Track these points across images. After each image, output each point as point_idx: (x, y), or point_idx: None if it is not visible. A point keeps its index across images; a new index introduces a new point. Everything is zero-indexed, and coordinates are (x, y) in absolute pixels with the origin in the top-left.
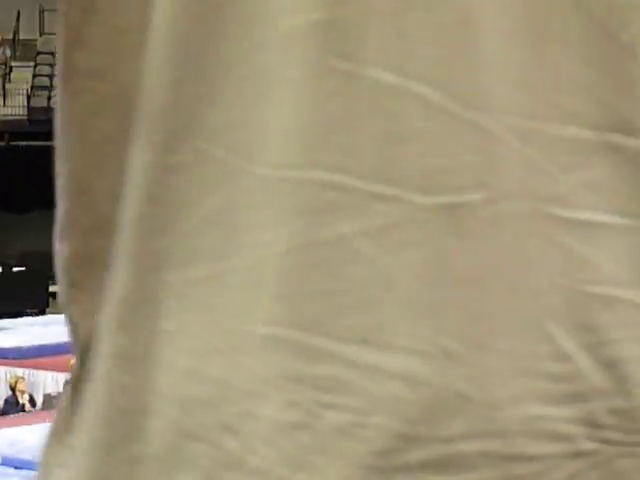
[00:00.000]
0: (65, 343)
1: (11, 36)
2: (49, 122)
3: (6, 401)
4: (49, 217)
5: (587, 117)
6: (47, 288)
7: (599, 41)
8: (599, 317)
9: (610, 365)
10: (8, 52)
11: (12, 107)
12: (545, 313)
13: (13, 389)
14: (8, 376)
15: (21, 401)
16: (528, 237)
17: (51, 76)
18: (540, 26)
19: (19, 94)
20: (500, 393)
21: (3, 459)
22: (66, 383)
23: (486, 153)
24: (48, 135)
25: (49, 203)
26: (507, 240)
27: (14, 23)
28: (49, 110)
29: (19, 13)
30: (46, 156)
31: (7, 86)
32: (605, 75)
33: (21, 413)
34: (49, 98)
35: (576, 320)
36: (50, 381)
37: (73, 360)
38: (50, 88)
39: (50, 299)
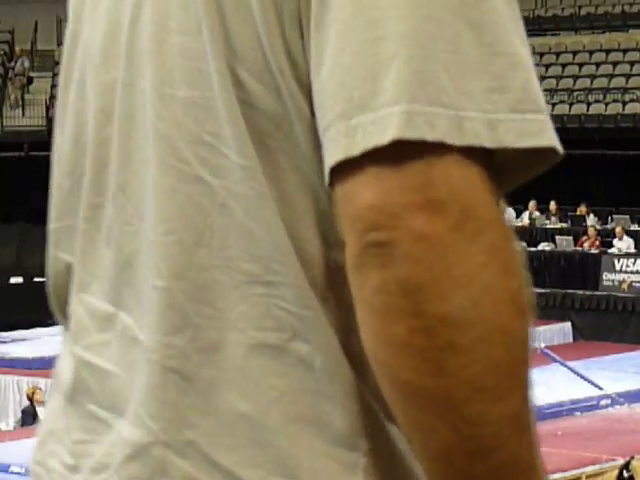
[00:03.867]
0: None
1: (29, 47)
2: None
3: (23, 411)
4: None
5: None
6: None
7: None
8: None
9: None
10: (27, 63)
11: (31, 118)
12: None
13: (31, 399)
14: (30, 386)
15: (39, 413)
16: None
17: None
18: None
19: (38, 105)
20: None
21: (27, 469)
22: None
23: None
24: None
25: None
26: None
27: (32, 34)
28: None
29: (37, 24)
30: None
31: (26, 97)
32: None
33: None
34: None
35: None
36: None
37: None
38: None
39: None
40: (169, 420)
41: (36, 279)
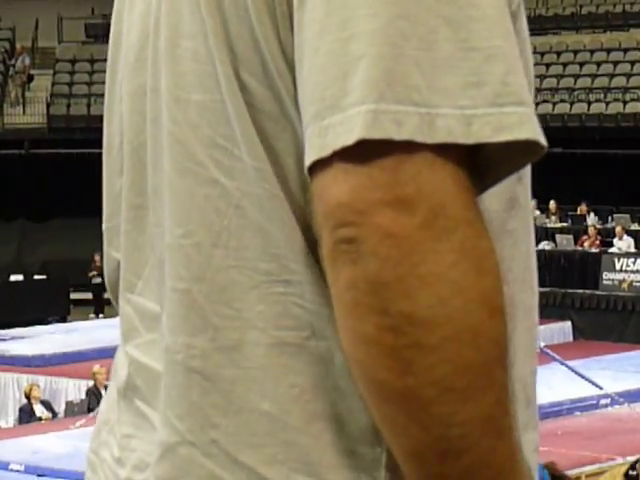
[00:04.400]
0: (86, 350)
1: (30, 44)
2: (68, 130)
3: (21, 409)
4: (69, 225)
5: None
6: (68, 295)
7: None
8: None
9: None
10: (27, 60)
11: (32, 115)
12: None
13: (28, 397)
14: (28, 384)
15: (36, 410)
16: None
17: (70, 84)
18: None
19: (38, 102)
20: None
21: (26, 467)
22: None
23: None
24: (68, 143)
25: (69, 211)
26: None
27: (33, 31)
28: (68, 118)
29: (37, 21)
30: (66, 164)
31: (27, 94)
32: None
33: (43, 421)
34: (68, 106)
35: None
36: (72, 388)
37: (94, 367)
38: (69, 96)
39: (71, 306)
40: (194, 420)
41: (36, 277)
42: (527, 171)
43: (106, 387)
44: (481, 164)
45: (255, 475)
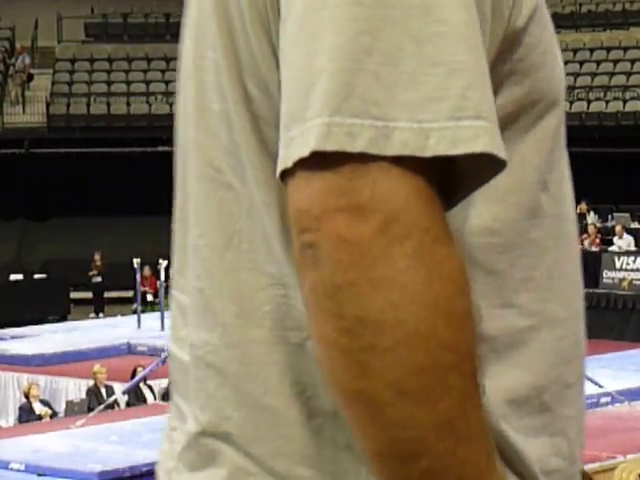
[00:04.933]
0: (87, 350)
1: (30, 44)
2: (68, 129)
3: (20, 408)
4: (69, 224)
5: None
6: (68, 295)
7: None
8: None
9: None
10: (27, 60)
11: (31, 114)
12: None
13: (27, 396)
14: (27, 383)
15: (36, 409)
16: None
17: (70, 83)
18: None
19: (38, 102)
20: None
21: (26, 466)
22: None
23: None
24: (67, 142)
25: (69, 210)
26: None
27: (32, 31)
28: (68, 117)
29: (37, 20)
30: (65, 163)
31: (26, 94)
32: None
33: (43, 420)
34: (68, 105)
35: None
36: (72, 388)
37: (95, 366)
38: (69, 95)
39: (71, 306)
40: (212, 412)
41: (36, 276)
42: (558, 180)
43: (106, 386)
44: (456, 178)
45: (265, 467)
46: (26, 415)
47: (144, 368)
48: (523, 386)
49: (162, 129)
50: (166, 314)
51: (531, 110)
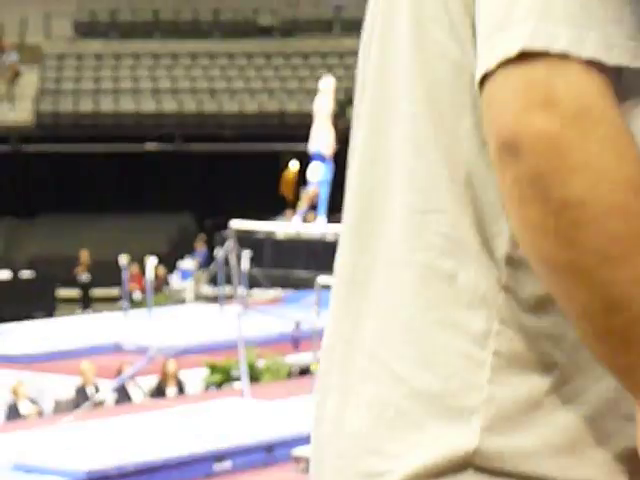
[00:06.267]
0: (74, 348)
1: (17, 40)
2: (56, 126)
3: (8, 406)
4: (56, 222)
5: None
6: (55, 292)
7: None
8: None
9: None
10: (14, 56)
11: (19, 112)
12: None
13: (15, 394)
14: (15, 381)
15: (21, 408)
16: None
17: (58, 80)
18: None
19: (26, 99)
20: None
21: (14, 464)
22: None
23: None
24: (55, 139)
25: (56, 208)
26: None
27: (20, 27)
28: (56, 114)
29: (25, 17)
30: (53, 160)
31: (14, 91)
32: None
33: (31, 418)
34: (56, 102)
35: None
36: (59, 386)
37: (82, 364)
38: (57, 92)
39: (58, 303)
40: (349, 321)
41: (23, 273)
42: None
43: (94, 384)
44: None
45: (386, 367)
46: (13, 413)
47: (130, 366)
48: None
49: (150, 127)
50: (153, 312)
51: None
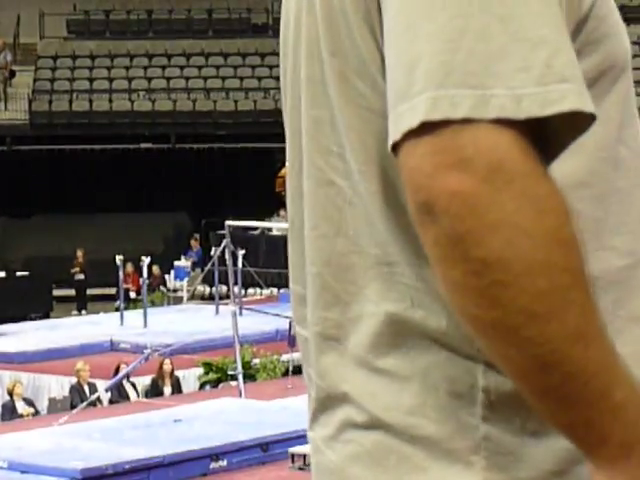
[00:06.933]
0: (70, 347)
1: (11, 40)
2: (50, 126)
3: (3, 406)
4: (52, 221)
5: None
6: (51, 292)
7: None
8: None
9: None
10: (9, 56)
11: (13, 111)
12: None
13: (10, 394)
14: (9, 381)
15: (18, 407)
16: None
17: (52, 80)
18: None
19: (20, 99)
20: None
21: (9, 464)
22: None
23: None
24: (50, 139)
25: (51, 208)
26: None
27: (14, 27)
28: (50, 114)
29: (19, 17)
30: (48, 160)
31: (8, 90)
32: None
33: (24, 418)
34: (50, 102)
35: None
36: (55, 385)
37: (77, 364)
38: (51, 92)
39: (53, 303)
40: (330, 378)
41: (18, 273)
42: (634, 135)
43: (89, 384)
44: (550, 137)
45: (378, 421)
46: (9, 414)
47: (127, 365)
48: (627, 311)
49: (144, 126)
50: (149, 311)
51: (608, 74)
